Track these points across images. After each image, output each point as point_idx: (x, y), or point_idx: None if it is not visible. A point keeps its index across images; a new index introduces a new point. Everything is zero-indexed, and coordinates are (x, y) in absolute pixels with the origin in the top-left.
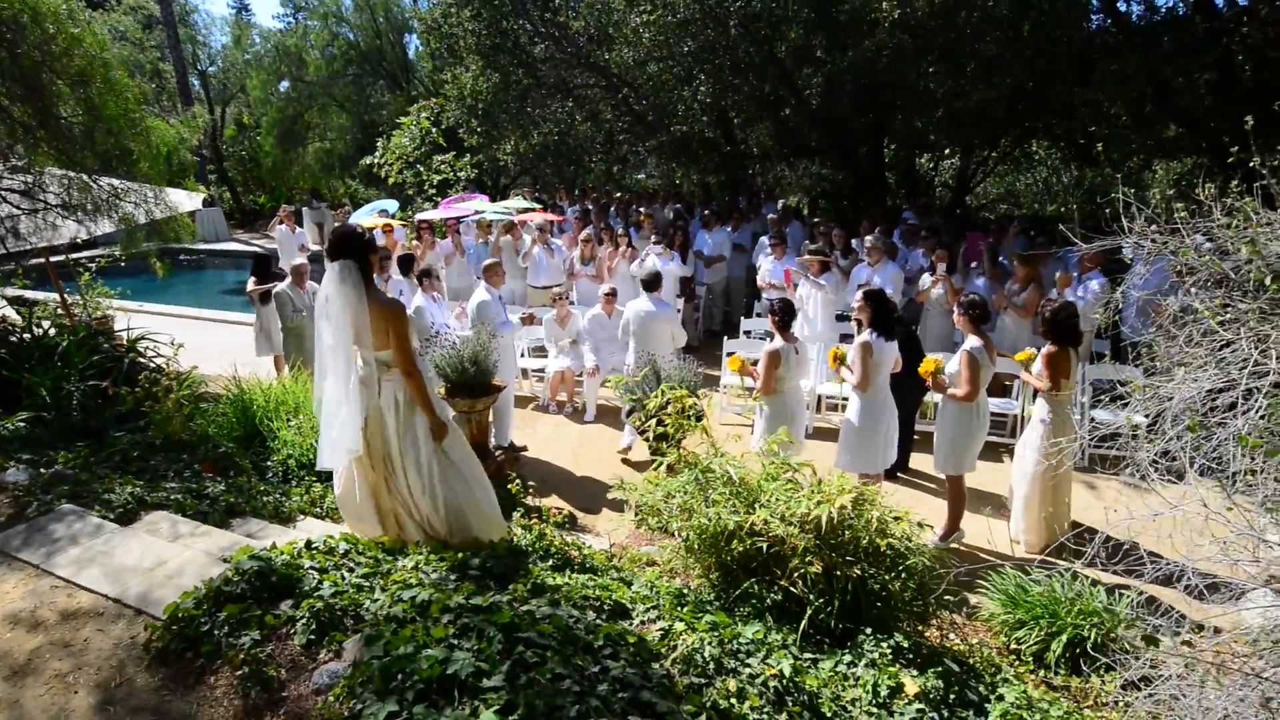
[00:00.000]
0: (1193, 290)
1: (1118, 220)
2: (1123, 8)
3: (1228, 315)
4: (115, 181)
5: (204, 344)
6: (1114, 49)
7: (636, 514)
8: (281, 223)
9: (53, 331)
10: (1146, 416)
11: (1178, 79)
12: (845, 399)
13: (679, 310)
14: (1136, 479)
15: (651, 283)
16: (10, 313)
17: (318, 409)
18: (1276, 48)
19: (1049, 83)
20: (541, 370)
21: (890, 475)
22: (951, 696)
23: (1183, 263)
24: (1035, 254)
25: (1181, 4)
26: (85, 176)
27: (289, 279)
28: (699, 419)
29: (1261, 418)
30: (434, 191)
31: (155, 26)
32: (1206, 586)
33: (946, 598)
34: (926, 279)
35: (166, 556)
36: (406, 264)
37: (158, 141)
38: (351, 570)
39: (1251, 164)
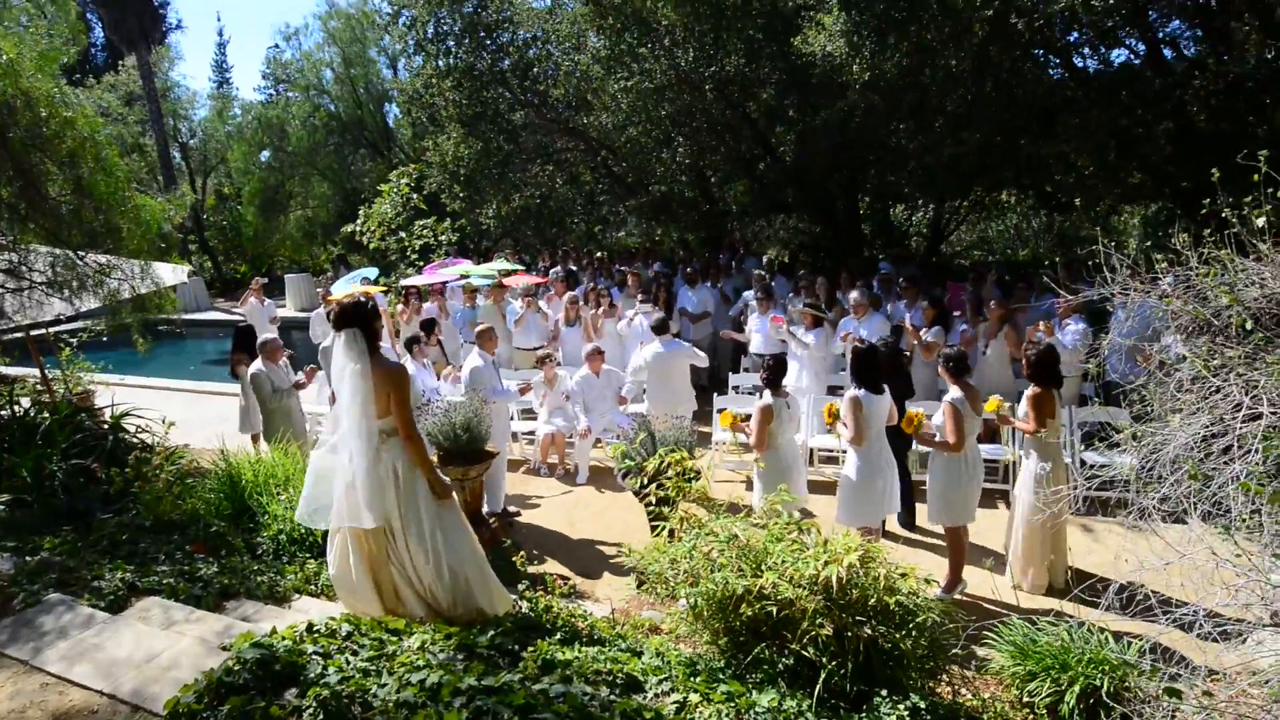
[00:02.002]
0: (1178, 337)
1: (1098, 269)
2: (1080, 64)
3: (1216, 362)
4: (101, 258)
5: (188, 416)
6: (1075, 103)
7: (640, 583)
8: (252, 295)
9: (33, 410)
10: (1140, 461)
11: (1137, 130)
12: (843, 451)
13: None
14: (1133, 522)
15: (660, 326)
16: None
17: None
18: (1225, 98)
19: (1015, 137)
20: (531, 433)
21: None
22: None
23: (1167, 309)
24: (1016, 307)
25: (1135, 59)
26: (72, 254)
27: (259, 358)
28: (696, 478)
29: (1259, 463)
30: (416, 256)
31: (135, 102)
32: (1217, 631)
33: (955, 652)
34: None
35: (161, 647)
36: (429, 328)
37: (146, 219)
38: (355, 654)
39: (1223, 214)
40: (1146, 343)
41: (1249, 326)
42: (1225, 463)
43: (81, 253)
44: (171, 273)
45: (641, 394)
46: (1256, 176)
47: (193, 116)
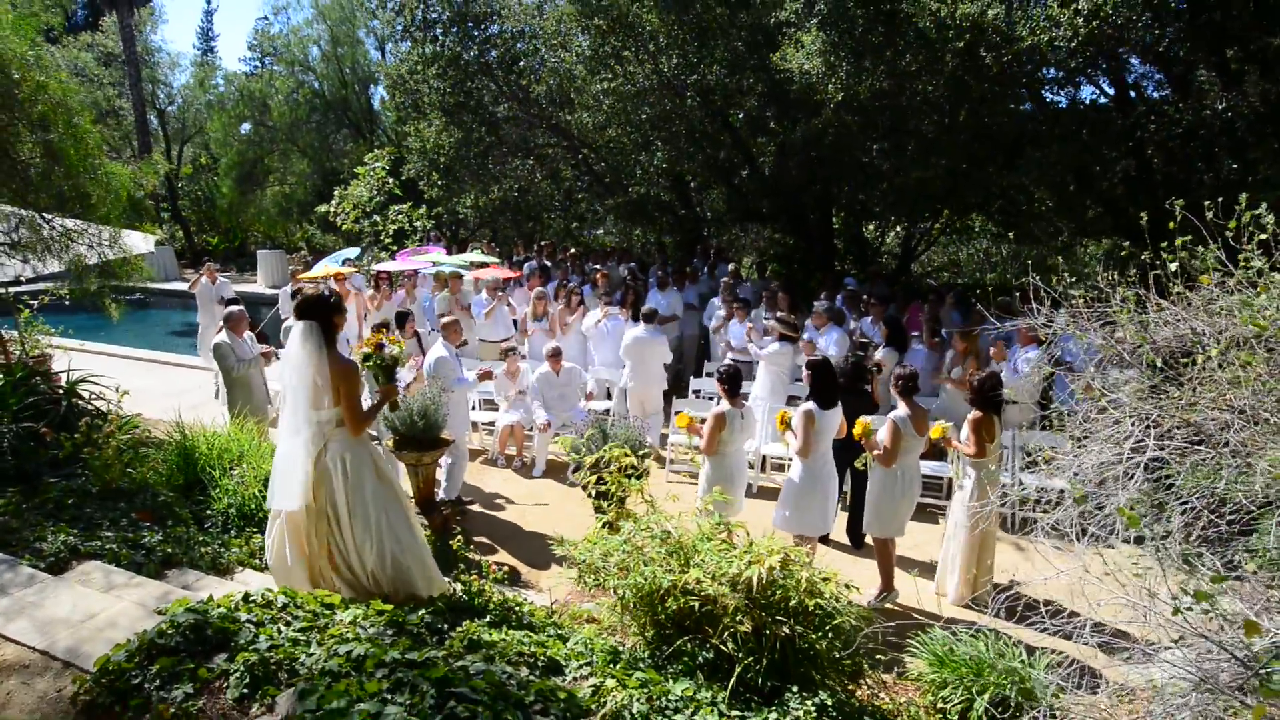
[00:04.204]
0: (1094, 370)
1: (1047, 297)
2: (1049, 97)
3: (1120, 394)
4: (69, 222)
5: (148, 386)
6: (1039, 137)
7: (578, 573)
8: (204, 276)
9: None
10: (1070, 481)
11: (1095, 167)
12: (790, 459)
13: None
14: (1052, 541)
15: (650, 315)
16: None
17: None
18: (1180, 143)
19: (982, 165)
20: (491, 424)
21: (824, 541)
22: None
23: (1090, 344)
24: (972, 330)
25: (1102, 97)
26: (38, 217)
27: (224, 328)
28: (639, 477)
29: (1140, 489)
30: (390, 241)
31: (113, 63)
32: (1116, 643)
33: (878, 657)
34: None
35: (99, 608)
36: (402, 320)
37: (117, 186)
38: (289, 624)
39: (1160, 256)
40: (1073, 371)
41: (1158, 364)
42: (1122, 489)
43: (47, 215)
44: (143, 240)
45: (608, 392)
46: (1172, 224)
47: (172, 83)
